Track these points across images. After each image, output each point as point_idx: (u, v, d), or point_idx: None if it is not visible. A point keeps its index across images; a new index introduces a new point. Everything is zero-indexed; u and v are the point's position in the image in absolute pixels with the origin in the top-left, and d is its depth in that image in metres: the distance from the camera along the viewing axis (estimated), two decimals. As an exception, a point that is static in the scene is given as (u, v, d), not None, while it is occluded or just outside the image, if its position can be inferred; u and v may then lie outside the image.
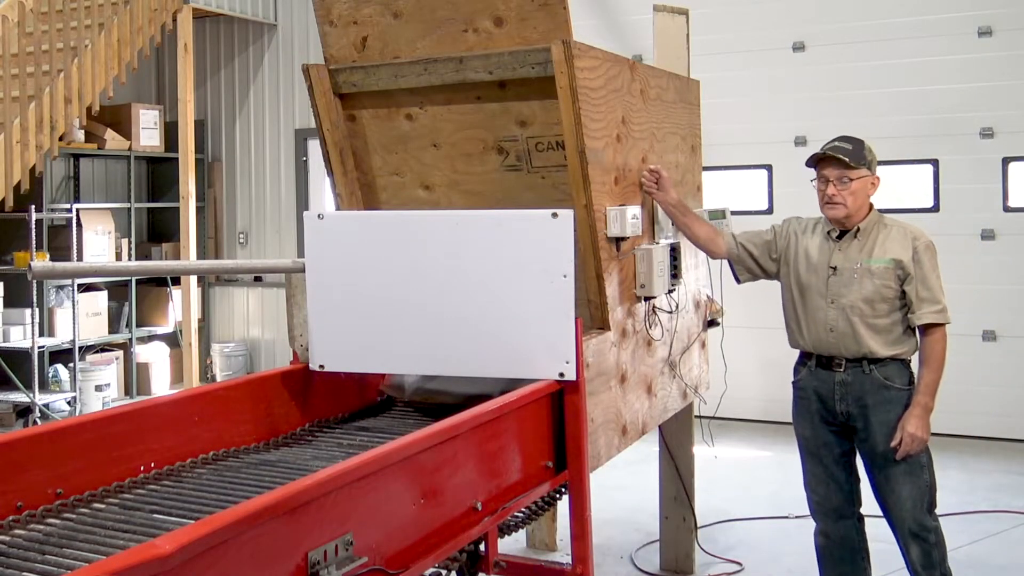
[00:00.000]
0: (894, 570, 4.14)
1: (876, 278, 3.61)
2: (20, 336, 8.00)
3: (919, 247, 3.60)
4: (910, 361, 3.68)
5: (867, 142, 3.71)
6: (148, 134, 9.27)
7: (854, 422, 3.69)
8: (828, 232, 3.74)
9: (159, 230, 10.16)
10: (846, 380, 3.67)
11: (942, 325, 3.59)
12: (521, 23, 3.45)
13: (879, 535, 3.89)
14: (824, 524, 3.85)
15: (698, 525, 4.85)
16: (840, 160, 3.60)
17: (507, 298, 3.12)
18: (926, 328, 3.59)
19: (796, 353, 3.93)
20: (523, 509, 3.11)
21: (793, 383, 3.88)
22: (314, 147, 9.39)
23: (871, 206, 3.71)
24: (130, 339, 9.14)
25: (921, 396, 3.57)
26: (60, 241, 8.42)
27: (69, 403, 8.13)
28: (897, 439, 3.57)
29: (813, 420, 3.79)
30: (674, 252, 3.97)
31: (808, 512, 3.92)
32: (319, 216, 3.35)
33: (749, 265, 3.90)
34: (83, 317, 8.44)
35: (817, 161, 3.68)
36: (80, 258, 8.38)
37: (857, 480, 3.84)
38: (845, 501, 3.80)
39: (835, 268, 3.68)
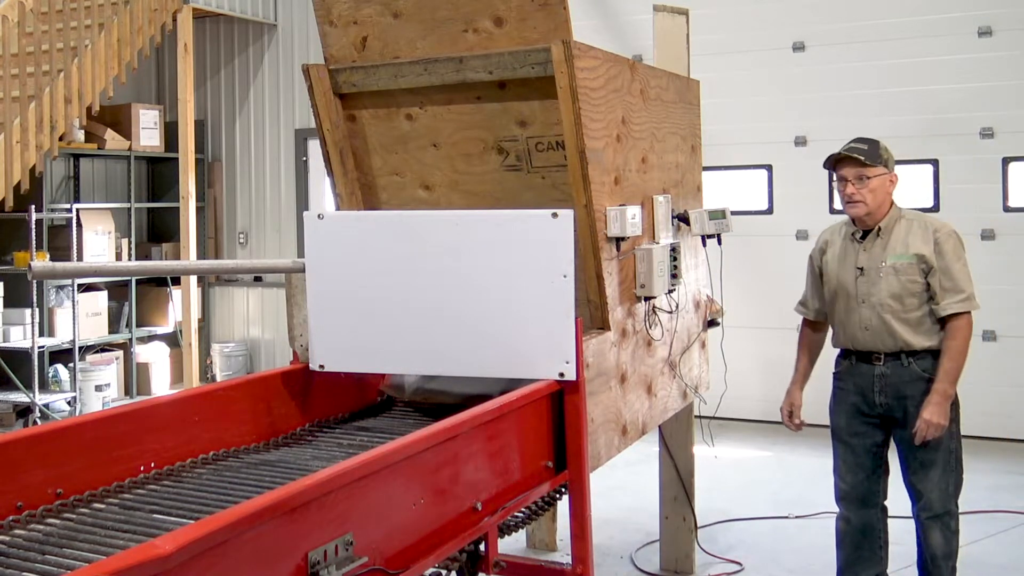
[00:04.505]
0: (904, 565, 4.16)
1: (901, 274, 3.71)
2: (20, 336, 8.00)
3: (940, 238, 3.70)
4: None
5: (883, 141, 3.81)
6: (148, 134, 9.27)
7: (893, 413, 3.79)
8: (852, 234, 3.85)
9: (159, 230, 10.16)
10: (885, 373, 3.77)
11: (966, 313, 3.67)
12: (521, 23, 3.45)
13: (898, 538, 3.91)
14: (847, 510, 3.93)
15: (698, 525, 4.85)
16: (856, 160, 3.71)
17: (507, 298, 3.12)
18: (949, 317, 3.68)
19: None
20: (523, 509, 3.11)
21: (834, 374, 3.99)
22: (314, 147, 9.39)
23: (892, 203, 3.81)
24: (130, 339, 9.14)
25: (939, 383, 3.67)
26: (60, 241, 8.42)
27: (69, 403, 8.13)
28: (916, 425, 3.66)
29: (848, 411, 3.90)
30: (674, 252, 3.97)
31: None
32: (319, 216, 3.35)
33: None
34: (83, 317, 8.44)
35: (835, 163, 3.77)
36: (80, 258, 8.37)
37: (886, 472, 3.92)
38: (871, 491, 3.89)
39: (862, 268, 3.79)
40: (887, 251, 3.75)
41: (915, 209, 4.06)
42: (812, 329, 4.11)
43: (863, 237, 3.81)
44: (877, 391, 3.80)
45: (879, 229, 3.77)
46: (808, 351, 4.12)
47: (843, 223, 3.94)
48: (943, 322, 3.72)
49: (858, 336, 3.81)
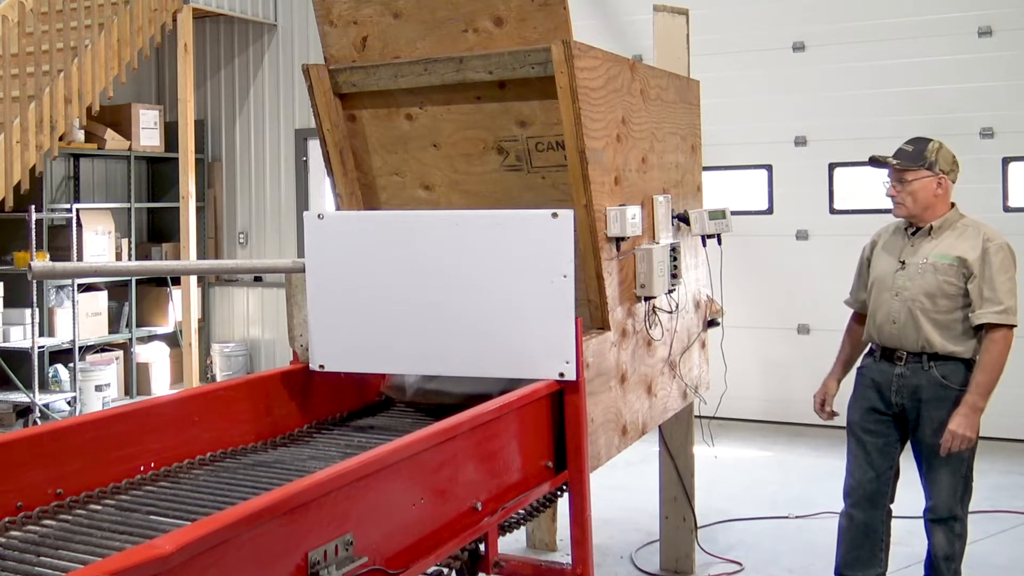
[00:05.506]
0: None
1: (939, 274, 3.71)
2: (20, 336, 8.00)
3: (990, 248, 3.69)
4: (972, 361, 3.75)
5: (936, 142, 3.80)
6: (148, 134, 9.27)
7: (907, 414, 3.80)
8: (905, 228, 3.89)
9: (159, 230, 10.16)
10: (904, 374, 3.79)
11: (1004, 327, 3.65)
12: (521, 23, 3.45)
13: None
14: (852, 507, 3.93)
15: (698, 525, 4.85)
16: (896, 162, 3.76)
17: (507, 298, 3.12)
18: (987, 328, 3.67)
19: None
20: (523, 509, 3.11)
21: (858, 368, 4.03)
22: (314, 147, 9.39)
23: (952, 205, 3.82)
24: (130, 339, 9.14)
25: (969, 395, 3.67)
26: (60, 241, 8.42)
27: (69, 403, 8.13)
28: (943, 437, 3.66)
29: (864, 407, 3.91)
30: (674, 252, 3.97)
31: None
32: (319, 216, 3.35)
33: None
34: (83, 317, 8.44)
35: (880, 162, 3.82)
36: (80, 258, 8.37)
37: (896, 474, 3.92)
38: (878, 491, 3.88)
39: (903, 263, 3.81)
40: (932, 249, 3.76)
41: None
42: (858, 323, 4.10)
43: (914, 233, 3.83)
44: (894, 391, 3.80)
45: (931, 228, 3.78)
46: (851, 344, 4.13)
47: (903, 221, 3.95)
48: (972, 332, 3.70)
49: (885, 328, 3.82)
